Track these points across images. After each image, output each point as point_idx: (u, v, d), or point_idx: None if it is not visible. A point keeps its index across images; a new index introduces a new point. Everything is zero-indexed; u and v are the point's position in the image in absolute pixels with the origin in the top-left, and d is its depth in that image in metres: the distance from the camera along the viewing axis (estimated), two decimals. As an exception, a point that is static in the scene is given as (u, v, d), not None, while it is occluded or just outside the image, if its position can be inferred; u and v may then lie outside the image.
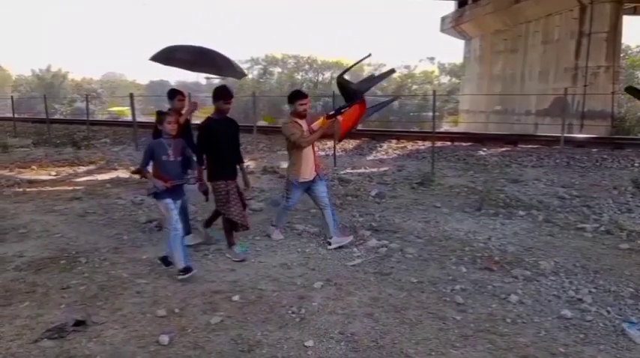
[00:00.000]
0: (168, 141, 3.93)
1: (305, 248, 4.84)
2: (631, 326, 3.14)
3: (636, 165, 9.58)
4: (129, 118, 15.35)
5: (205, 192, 4.50)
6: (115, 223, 5.69)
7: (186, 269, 3.89)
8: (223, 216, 4.51)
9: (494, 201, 6.83)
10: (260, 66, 44.75)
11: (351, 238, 4.90)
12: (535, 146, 11.85)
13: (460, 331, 3.16)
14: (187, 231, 4.61)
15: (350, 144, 12.82)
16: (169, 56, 5.31)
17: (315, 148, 4.99)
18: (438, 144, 11.68)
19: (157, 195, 3.91)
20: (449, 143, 12.73)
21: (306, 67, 50.63)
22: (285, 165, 10.64)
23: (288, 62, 48.44)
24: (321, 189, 4.93)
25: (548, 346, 2.99)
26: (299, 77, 49.87)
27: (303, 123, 4.76)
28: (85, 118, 16.78)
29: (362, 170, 9.64)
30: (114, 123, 19.92)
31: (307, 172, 4.82)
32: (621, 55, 20.21)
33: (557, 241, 5.14)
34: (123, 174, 9.30)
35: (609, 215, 6.16)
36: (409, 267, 4.31)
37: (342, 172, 9.32)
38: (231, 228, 4.54)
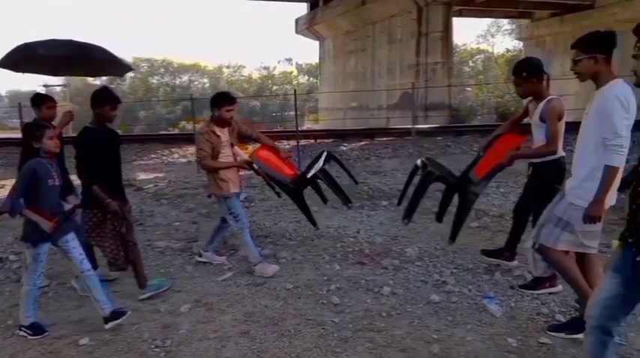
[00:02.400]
0: (49, 161, 3.07)
1: (168, 267, 4.37)
2: (490, 301, 3.37)
3: (474, 149, 10.78)
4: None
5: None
6: None
7: (35, 329, 3.11)
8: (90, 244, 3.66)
9: (359, 193, 7.03)
10: (108, 70, 40.99)
11: (223, 259, 4.45)
12: (390, 138, 12.69)
13: (339, 334, 3.07)
14: (95, 265, 3.67)
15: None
16: (28, 55, 4.22)
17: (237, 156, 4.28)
18: (303, 142, 11.82)
19: (34, 239, 2.99)
20: (312, 141, 12.99)
21: (162, 70, 48.09)
22: (143, 176, 9.84)
23: (141, 66, 45.33)
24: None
25: (422, 335, 3.04)
26: (154, 81, 47.14)
27: (223, 132, 4.07)
28: None
29: (228, 174, 9.26)
30: None
31: (235, 185, 4.16)
32: (453, 52, 22.84)
33: (419, 227, 5.43)
34: None
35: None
36: (284, 273, 4.13)
37: (205, 178, 8.81)
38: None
